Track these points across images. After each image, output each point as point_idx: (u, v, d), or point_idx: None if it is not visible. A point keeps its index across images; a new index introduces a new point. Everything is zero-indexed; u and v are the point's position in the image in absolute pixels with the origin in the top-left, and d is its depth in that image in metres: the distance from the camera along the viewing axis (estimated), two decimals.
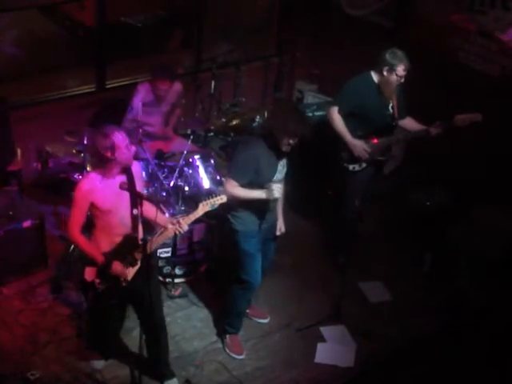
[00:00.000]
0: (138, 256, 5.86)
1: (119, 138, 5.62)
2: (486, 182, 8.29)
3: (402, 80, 7.22)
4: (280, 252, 7.13)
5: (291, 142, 6.15)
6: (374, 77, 7.35)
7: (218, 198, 6.03)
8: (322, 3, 10.31)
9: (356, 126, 7.42)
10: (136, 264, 5.91)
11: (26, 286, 7.35)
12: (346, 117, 7.42)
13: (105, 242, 5.86)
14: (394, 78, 7.19)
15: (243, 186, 6.25)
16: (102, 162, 5.71)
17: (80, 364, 6.59)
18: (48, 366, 6.56)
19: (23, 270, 7.41)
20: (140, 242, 5.78)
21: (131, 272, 5.92)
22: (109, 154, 5.61)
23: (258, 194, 6.25)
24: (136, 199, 5.64)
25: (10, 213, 7.48)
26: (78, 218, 5.78)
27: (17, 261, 7.34)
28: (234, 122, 9.07)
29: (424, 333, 7.33)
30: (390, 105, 7.42)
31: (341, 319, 7.37)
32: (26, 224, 7.33)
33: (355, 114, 7.39)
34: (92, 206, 5.72)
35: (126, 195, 5.67)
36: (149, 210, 5.90)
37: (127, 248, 5.86)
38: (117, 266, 5.83)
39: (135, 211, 5.66)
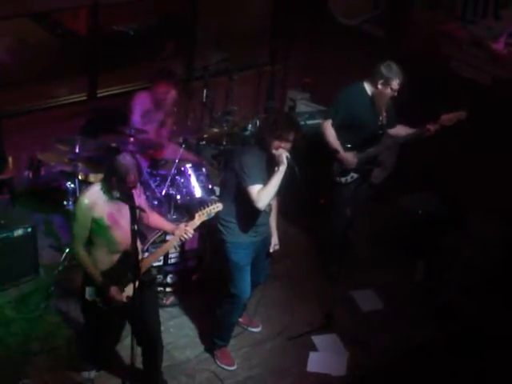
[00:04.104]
0: (139, 271, 5.80)
1: (132, 178, 5.58)
2: (479, 190, 8.31)
3: (396, 94, 7.23)
4: (272, 261, 7.12)
5: (282, 146, 6.13)
6: (367, 88, 7.35)
7: (214, 206, 6.01)
8: (316, 12, 10.33)
9: (346, 137, 7.43)
10: (137, 280, 5.82)
11: (17, 295, 7.32)
12: (338, 129, 7.43)
13: (104, 260, 5.83)
14: (388, 91, 7.21)
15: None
16: (106, 180, 5.71)
17: (71, 373, 6.56)
18: (39, 375, 6.52)
19: (15, 279, 7.38)
20: (139, 257, 5.74)
21: (132, 288, 5.83)
22: (113, 181, 5.61)
23: (279, 173, 6.10)
24: (136, 214, 5.59)
25: (2, 221, 7.47)
26: (80, 233, 5.76)
27: (8, 269, 7.31)
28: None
29: (416, 341, 7.33)
30: (381, 116, 7.44)
31: (333, 328, 7.37)
32: (18, 232, 7.31)
33: (347, 126, 7.40)
34: (92, 221, 5.69)
35: (127, 211, 5.61)
36: (155, 219, 6.09)
37: (127, 265, 5.77)
38: (114, 292, 5.81)
39: (135, 227, 5.61)
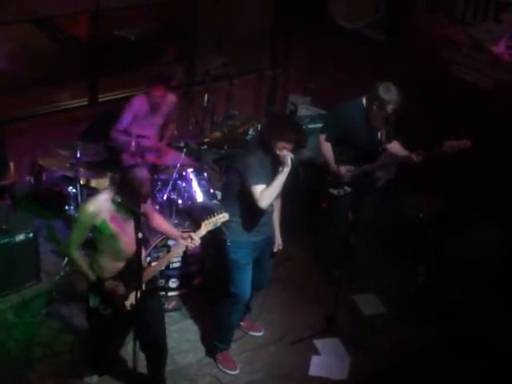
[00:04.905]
0: (143, 279, 5.77)
1: (145, 192, 5.57)
2: (479, 194, 8.30)
3: (390, 116, 7.22)
4: (274, 265, 7.12)
5: (286, 147, 6.14)
6: (366, 105, 7.32)
7: (220, 216, 6.01)
8: (317, 16, 10.34)
9: (343, 151, 7.44)
10: (140, 287, 5.77)
11: (19, 300, 7.32)
12: (334, 143, 7.45)
13: (109, 267, 5.81)
14: (383, 113, 7.16)
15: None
16: (118, 190, 5.68)
17: (74, 379, 6.55)
18: (41, 380, 6.52)
19: (16, 284, 7.39)
20: (144, 265, 5.72)
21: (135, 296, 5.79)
22: (125, 192, 5.58)
23: (282, 174, 6.14)
24: (140, 222, 5.58)
25: (3, 226, 7.47)
26: (78, 238, 5.75)
27: (10, 275, 7.31)
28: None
29: (418, 345, 7.31)
30: (379, 132, 7.41)
31: (335, 332, 7.36)
32: (19, 238, 7.31)
33: (343, 141, 7.40)
34: (96, 229, 5.68)
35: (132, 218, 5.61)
36: (161, 223, 6.09)
37: (131, 272, 5.74)
38: (111, 286, 5.79)
39: (140, 235, 5.58)
